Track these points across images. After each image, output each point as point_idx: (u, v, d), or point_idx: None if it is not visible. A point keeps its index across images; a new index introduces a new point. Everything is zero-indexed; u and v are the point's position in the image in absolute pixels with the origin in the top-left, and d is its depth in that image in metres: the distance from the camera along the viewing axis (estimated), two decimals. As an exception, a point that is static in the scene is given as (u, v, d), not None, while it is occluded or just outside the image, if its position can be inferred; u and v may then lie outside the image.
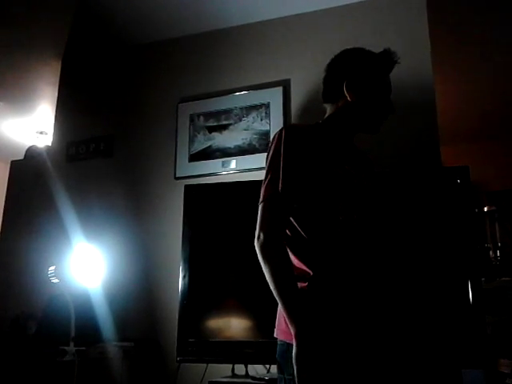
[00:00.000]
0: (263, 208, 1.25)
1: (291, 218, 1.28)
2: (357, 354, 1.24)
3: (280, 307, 1.25)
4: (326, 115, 1.45)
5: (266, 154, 1.33)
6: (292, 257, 1.26)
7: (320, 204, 1.28)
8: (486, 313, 1.96)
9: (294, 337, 1.13)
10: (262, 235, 1.21)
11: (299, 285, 1.21)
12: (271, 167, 1.28)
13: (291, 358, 1.13)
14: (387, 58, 1.41)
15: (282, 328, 1.23)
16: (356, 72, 1.40)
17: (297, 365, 1.11)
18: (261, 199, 1.26)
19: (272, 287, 1.19)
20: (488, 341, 1.82)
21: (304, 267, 1.25)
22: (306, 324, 1.14)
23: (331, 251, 1.26)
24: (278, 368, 1.25)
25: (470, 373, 1.78)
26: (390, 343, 1.44)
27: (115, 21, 2.78)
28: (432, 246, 1.87)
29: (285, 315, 1.17)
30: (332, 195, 1.30)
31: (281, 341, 1.25)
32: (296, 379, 1.11)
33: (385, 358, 1.32)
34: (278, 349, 1.26)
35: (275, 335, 1.28)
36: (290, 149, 1.28)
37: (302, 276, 1.23)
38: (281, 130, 1.32)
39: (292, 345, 1.16)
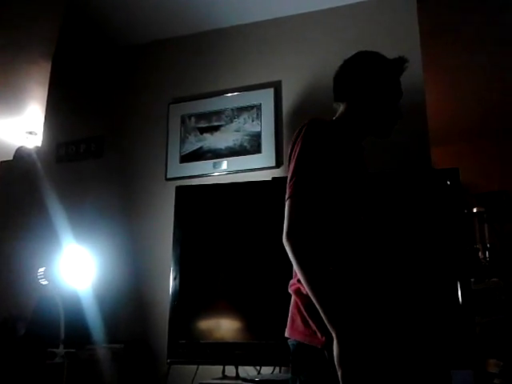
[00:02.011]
0: (293, 204, 1.20)
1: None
2: (382, 351, 1.24)
3: (292, 306, 1.26)
4: (339, 114, 1.46)
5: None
6: None
7: (345, 202, 1.28)
8: (475, 313, 1.97)
9: (335, 337, 1.10)
10: (294, 233, 1.17)
11: None
12: (301, 161, 1.24)
13: (311, 359, 1.13)
14: (401, 65, 1.44)
15: (300, 329, 1.21)
16: (378, 75, 1.42)
17: (343, 366, 1.07)
18: (289, 194, 1.22)
19: (308, 288, 1.15)
20: (477, 341, 1.83)
21: None
22: (348, 324, 1.11)
23: (351, 249, 1.26)
24: (293, 369, 1.23)
25: (459, 373, 1.80)
26: (391, 342, 1.45)
27: (106, 21, 2.76)
28: (422, 247, 1.88)
29: (323, 316, 1.13)
30: (356, 195, 1.31)
31: (296, 341, 1.22)
32: (341, 381, 1.07)
33: (392, 355, 1.35)
34: (292, 349, 1.24)
35: (287, 335, 1.26)
36: (321, 145, 1.26)
37: None
38: (308, 125, 1.29)
39: (312, 346, 1.16)
